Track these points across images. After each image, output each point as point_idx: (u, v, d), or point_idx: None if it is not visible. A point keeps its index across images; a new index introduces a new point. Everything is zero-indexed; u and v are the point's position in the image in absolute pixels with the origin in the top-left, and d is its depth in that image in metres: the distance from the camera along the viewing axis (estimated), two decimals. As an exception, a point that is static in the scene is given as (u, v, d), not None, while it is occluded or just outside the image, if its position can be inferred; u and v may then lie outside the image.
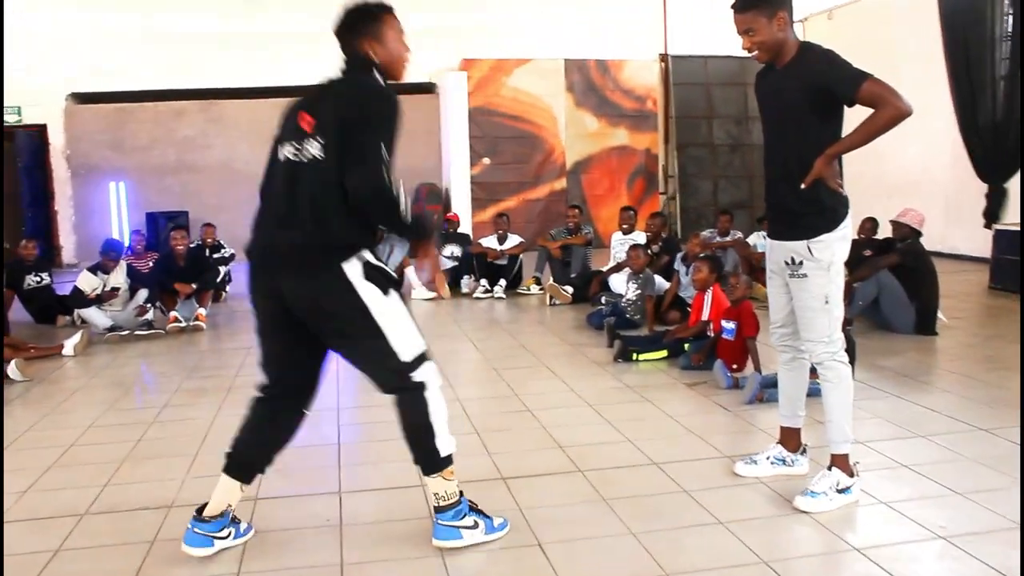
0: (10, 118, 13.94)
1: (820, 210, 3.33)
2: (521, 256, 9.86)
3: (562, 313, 8.36)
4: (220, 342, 7.64)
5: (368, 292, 2.87)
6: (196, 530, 3.05)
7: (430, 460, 3.05)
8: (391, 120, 2.89)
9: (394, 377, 2.98)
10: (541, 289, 9.33)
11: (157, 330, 7.79)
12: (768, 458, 3.75)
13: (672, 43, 14.18)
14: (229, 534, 3.14)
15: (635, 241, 8.41)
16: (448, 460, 3.06)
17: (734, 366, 5.39)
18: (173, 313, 7.99)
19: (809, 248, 3.35)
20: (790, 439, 3.74)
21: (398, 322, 2.93)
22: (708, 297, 6.08)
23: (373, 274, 2.89)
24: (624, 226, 9.15)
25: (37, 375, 6.27)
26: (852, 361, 4.78)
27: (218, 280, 9.53)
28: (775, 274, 3.58)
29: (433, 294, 9.52)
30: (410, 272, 9.71)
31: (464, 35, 14.12)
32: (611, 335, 6.46)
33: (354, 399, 5.34)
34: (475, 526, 3.12)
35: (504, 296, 9.40)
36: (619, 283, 8.15)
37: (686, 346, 5.95)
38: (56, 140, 14.04)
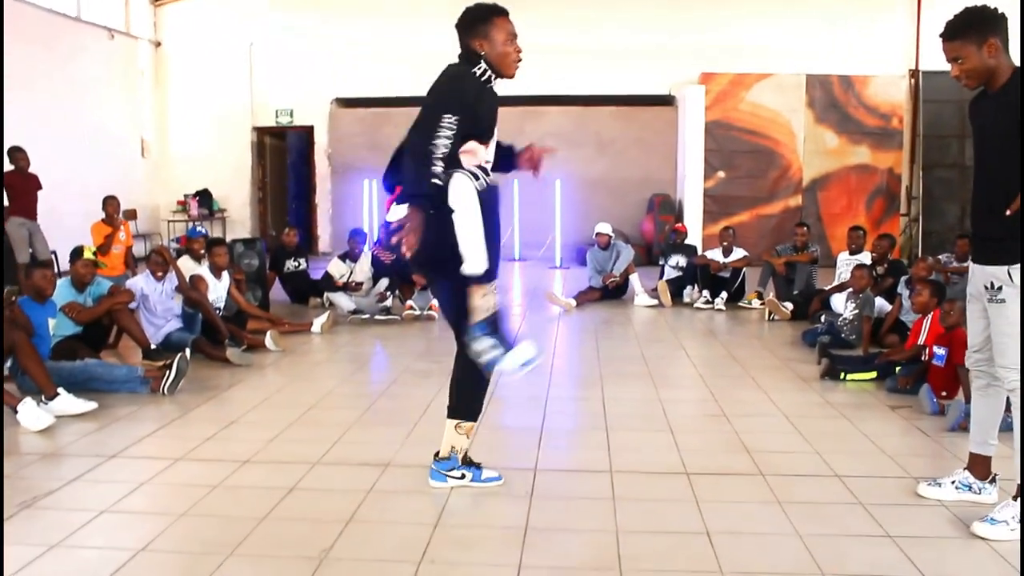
0: (283, 119, 15.59)
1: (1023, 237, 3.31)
2: (745, 270, 9.88)
3: (780, 329, 8.35)
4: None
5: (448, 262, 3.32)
6: (432, 466, 3.77)
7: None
8: (444, 94, 3.30)
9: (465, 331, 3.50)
10: (762, 304, 9.31)
11: (394, 316, 8.58)
12: (954, 482, 3.73)
13: (924, 57, 13.58)
14: (463, 476, 3.75)
15: (861, 261, 8.24)
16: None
17: (943, 393, 5.27)
18: (409, 302, 8.75)
19: (1009, 273, 3.33)
20: (978, 466, 3.70)
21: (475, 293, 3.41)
22: (927, 322, 5.95)
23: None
24: (852, 246, 8.96)
25: (289, 347, 7.16)
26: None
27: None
28: (975, 298, 3.56)
29: (655, 302, 9.75)
30: (634, 279, 10.00)
31: (705, 50, 14.28)
32: (821, 352, 6.44)
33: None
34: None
35: (724, 308, 9.48)
36: (840, 303, 8.01)
37: (897, 369, 5.85)
38: (321, 140, 15.52)
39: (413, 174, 3.24)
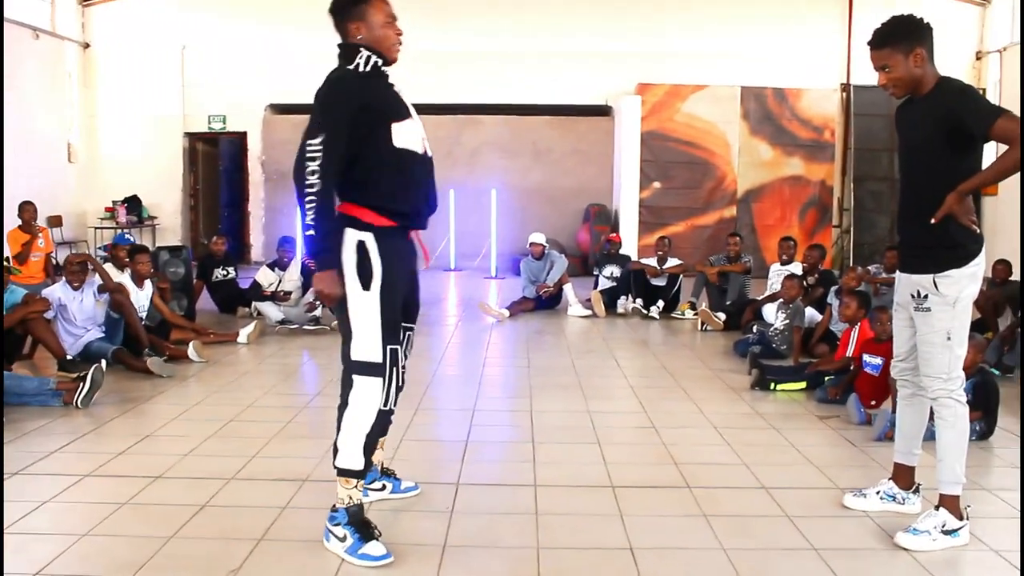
0: (216, 125, 15.27)
1: (950, 245, 3.30)
2: (680, 280, 9.90)
3: (712, 339, 8.37)
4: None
5: (351, 281, 3.07)
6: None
7: (334, 456, 3.18)
8: (322, 102, 3.09)
9: (347, 367, 3.15)
10: (695, 314, 9.34)
11: (323, 326, 8.39)
12: (878, 493, 3.73)
13: (856, 72, 13.86)
14: (384, 487, 3.62)
15: (792, 271, 8.30)
16: (344, 472, 3.13)
17: (872, 402, 5.30)
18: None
19: (935, 282, 3.32)
20: (903, 476, 3.70)
21: (364, 322, 3.08)
22: (855, 332, 5.99)
23: (362, 265, 3.06)
24: (783, 256, 9.03)
25: (213, 357, 6.95)
26: (993, 407, 4.67)
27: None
28: (901, 307, 3.56)
29: (589, 312, 9.72)
30: (567, 289, 9.96)
31: (641, 60, 14.39)
32: (752, 363, 6.45)
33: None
34: (343, 539, 3.12)
35: (658, 317, 9.48)
36: (772, 313, 8.06)
37: (826, 379, 5.88)
38: (254, 147, 15.23)
39: (296, 186, 3.03)
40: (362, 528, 3.12)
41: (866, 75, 13.93)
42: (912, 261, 3.45)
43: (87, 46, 15.08)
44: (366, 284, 3.05)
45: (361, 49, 3.17)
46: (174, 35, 14.94)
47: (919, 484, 3.71)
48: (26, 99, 13.40)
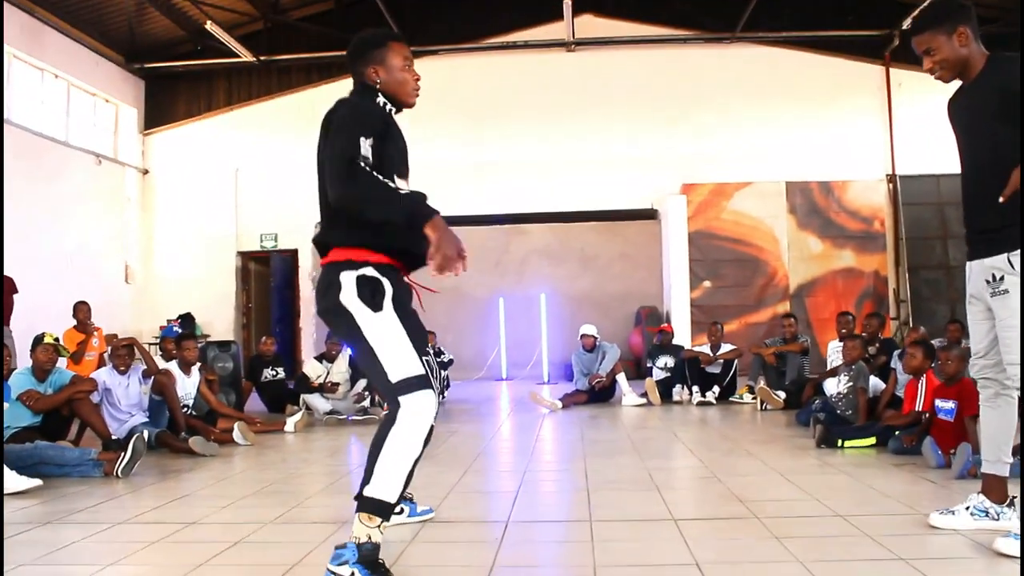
0: (268, 244, 15.58)
1: (1021, 222, 3.10)
2: (736, 363, 9.62)
3: (773, 416, 8.02)
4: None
5: (359, 311, 2.79)
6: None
7: (362, 486, 2.74)
8: (348, 118, 2.84)
9: (388, 394, 2.80)
10: (754, 397, 9.00)
11: (371, 416, 8.22)
12: (968, 509, 3.38)
13: (901, 162, 13.79)
14: (401, 510, 3.33)
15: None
16: (373, 503, 2.72)
17: (951, 451, 4.94)
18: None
19: (1010, 261, 3.10)
20: (994, 488, 3.37)
21: (389, 342, 2.78)
22: (922, 384, 5.68)
23: (364, 290, 2.80)
24: (842, 331, 8.72)
25: (259, 442, 6.76)
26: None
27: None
28: (975, 299, 3.32)
29: (643, 401, 9.42)
30: (621, 379, 9.70)
31: (684, 161, 14.48)
32: (815, 425, 6.11)
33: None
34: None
35: (715, 402, 9.16)
36: (834, 387, 7.72)
37: (896, 432, 5.53)
38: (305, 263, 15.45)
39: (358, 209, 2.75)
40: (373, 568, 2.71)
41: (912, 165, 13.95)
42: (982, 246, 3.24)
43: (146, 172, 15.65)
44: (377, 306, 2.79)
45: (379, 93, 3.03)
46: (228, 158, 15.46)
47: (1014, 497, 3.36)
48: (88, 222, 13.87)
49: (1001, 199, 3.06)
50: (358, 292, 2.79)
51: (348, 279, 2.81)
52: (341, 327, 2.85)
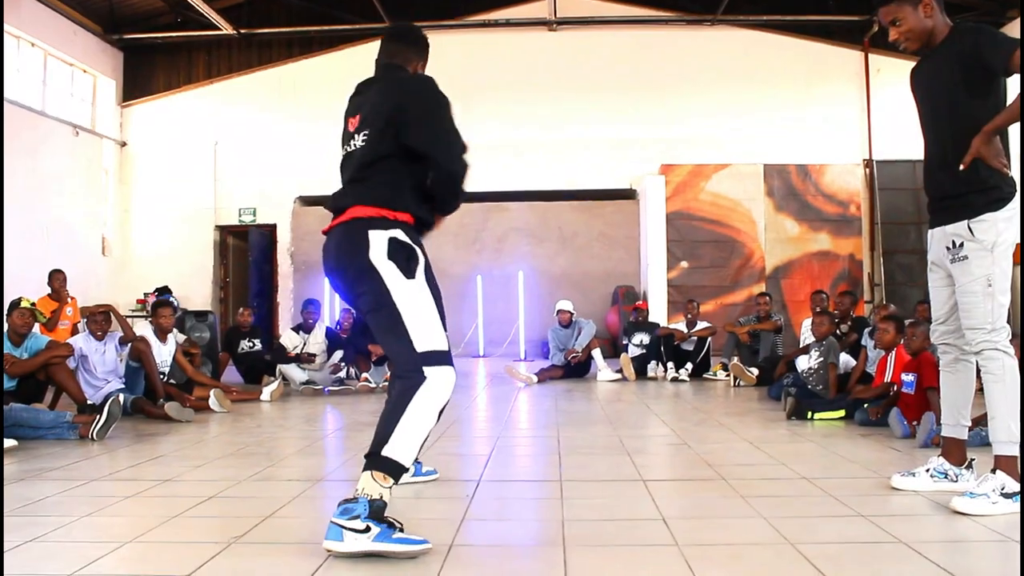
0: (246, 218, 15.53)
1: (982, 188, 3.17)
2: (709, 340, 9.72)
3: (746, 392, 8.12)
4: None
5: (390, 274, 2.76)
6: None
7: (376, 447, 2.70)
8: (443, 97, 2.94)
9: (408, 363, 2.76)
10: (727, 374, 9.10)
11: (347, 387, 8.24)
12: (928, 471, 3.48)
13: (877, 147, 13.92)
14: (408, 470, 3.20)
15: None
16: (389, 463, 2.69)
17: (914, 422, 5.05)
18: (365, 375, 8.44)
19: (970, 228, 3.18)
20: (954, 451, 3.46)
21: (419, 311, 2.78)
22: (892, 358, 5.79)
23: (397, 254, 2.78)
24: (816, 309, 8.84)
25: (235, 410, 6.80)
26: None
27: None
28: (936, 266, 3.40)
29: (618, 376, 9.51)
30: (596, 354, 9.79)
31: (663, 143, 14.53)
32: (787, 398, 6.21)
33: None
34: (366, 530, 2.63)
35: (688, 379, 9.26)
36: (806, 364, 7.83)
37: (865, 405, 5.64)
38: (283, 238, 15.41)
39: (460, 191, 2.95)
40: (388, 523, 2.68)
41: (888, 150, 14.08)
42: (943, 213, 3.32)
43: (124, 144, 15.53)
44: (410, 272, 2.78)
45: None
46: (207, 132, 15.35)
47: (972, 459, 3.46)
48: (63, 193, 13.74)
49: (961, 166, 3.14)
50: (390, 255, 2.77)
51: (378, 238, 2.78)
52: (362, 287, 2.80)
